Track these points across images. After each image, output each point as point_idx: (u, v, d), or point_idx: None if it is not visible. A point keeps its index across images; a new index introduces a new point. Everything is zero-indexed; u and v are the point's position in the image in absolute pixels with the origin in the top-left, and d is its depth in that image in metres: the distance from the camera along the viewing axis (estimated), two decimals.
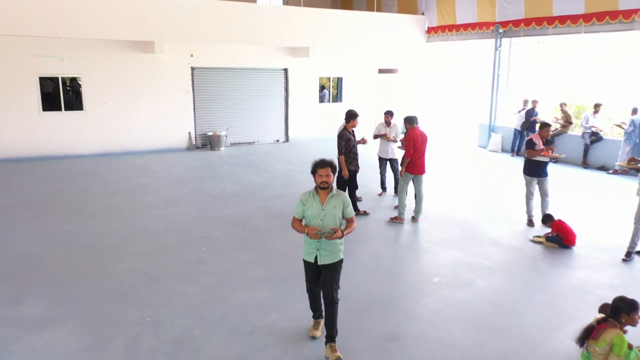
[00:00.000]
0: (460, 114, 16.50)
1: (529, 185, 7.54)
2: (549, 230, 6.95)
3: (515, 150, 13.50)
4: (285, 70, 15.07)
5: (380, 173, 9.26)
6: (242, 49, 14.07)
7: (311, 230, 3.97)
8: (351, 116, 7.67)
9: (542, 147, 7.20)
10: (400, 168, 7.68)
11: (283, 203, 8.71)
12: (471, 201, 9.04)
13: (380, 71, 16.77)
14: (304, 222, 4.19)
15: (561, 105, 12.63)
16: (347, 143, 7.62)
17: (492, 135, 14.32)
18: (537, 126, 12.73)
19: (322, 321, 4.48)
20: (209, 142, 14.03)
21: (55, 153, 12.30)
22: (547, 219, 6.93)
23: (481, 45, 15.34)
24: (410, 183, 7.71)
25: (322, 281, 4.16)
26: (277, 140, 15.45)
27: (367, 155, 11.99)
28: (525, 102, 13.16)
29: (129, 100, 12.93)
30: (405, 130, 7.74)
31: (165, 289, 5.38)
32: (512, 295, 5.36)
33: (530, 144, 7.31)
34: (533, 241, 6.92)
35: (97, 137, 12.71)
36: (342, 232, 4.00)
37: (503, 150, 14.11)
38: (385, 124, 8.95)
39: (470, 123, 15.64)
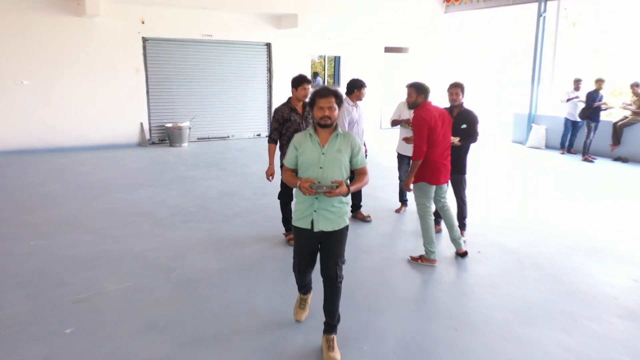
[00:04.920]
0: (488, 102, 13.27)
1: None
2: None
3: (566, 147, 10.33)
4: (268, 45, 11.87)
5: (399, 178, 6.05)
6: (211, 16, 10.87)
7: (304, 183, 2.78)
8: (293, 82, 4.64)
9: None
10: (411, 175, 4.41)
11: (247, 225, 5.51)
12: (540, 224, 5.85)
13: (387, 50, 13.63)
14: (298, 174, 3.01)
15: (632, 86, 9.47)
16: (280, 125, 4.63)
17: (533, 128, 11.14)
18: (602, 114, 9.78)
19: (310, 296, 3.40)
20: (167, 136, 10.83)
21: None
22: None
23: (517, 13, 12.18)
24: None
25: (321, 256, 3.03)
26: (258, 135, 12.24)
27: (376, 155, 8.81)
28: (577, 82, 9.97)
29: (56, 79, 9.67)
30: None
31: None
32: None
33: None
34: None
35: (9, 128, 9.44)
36: (348, 186, 2.81)
37: (548, 147, 10.93)
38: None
39: (502, 113, 12.43)
